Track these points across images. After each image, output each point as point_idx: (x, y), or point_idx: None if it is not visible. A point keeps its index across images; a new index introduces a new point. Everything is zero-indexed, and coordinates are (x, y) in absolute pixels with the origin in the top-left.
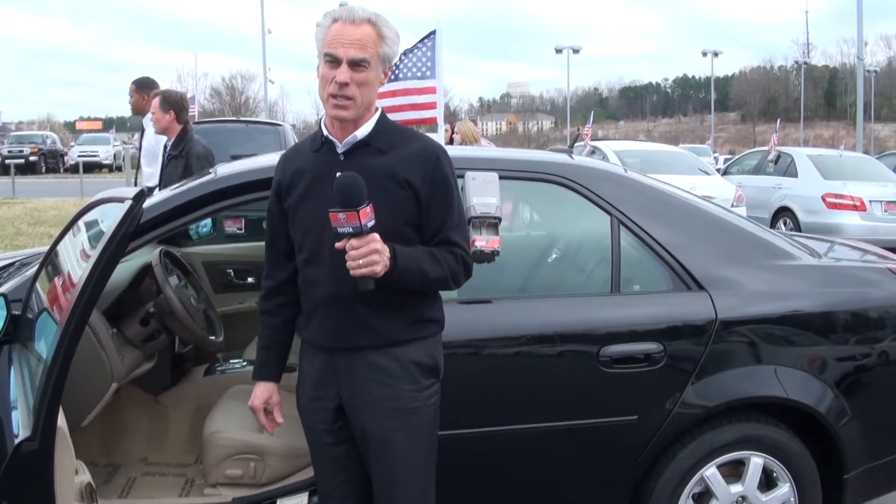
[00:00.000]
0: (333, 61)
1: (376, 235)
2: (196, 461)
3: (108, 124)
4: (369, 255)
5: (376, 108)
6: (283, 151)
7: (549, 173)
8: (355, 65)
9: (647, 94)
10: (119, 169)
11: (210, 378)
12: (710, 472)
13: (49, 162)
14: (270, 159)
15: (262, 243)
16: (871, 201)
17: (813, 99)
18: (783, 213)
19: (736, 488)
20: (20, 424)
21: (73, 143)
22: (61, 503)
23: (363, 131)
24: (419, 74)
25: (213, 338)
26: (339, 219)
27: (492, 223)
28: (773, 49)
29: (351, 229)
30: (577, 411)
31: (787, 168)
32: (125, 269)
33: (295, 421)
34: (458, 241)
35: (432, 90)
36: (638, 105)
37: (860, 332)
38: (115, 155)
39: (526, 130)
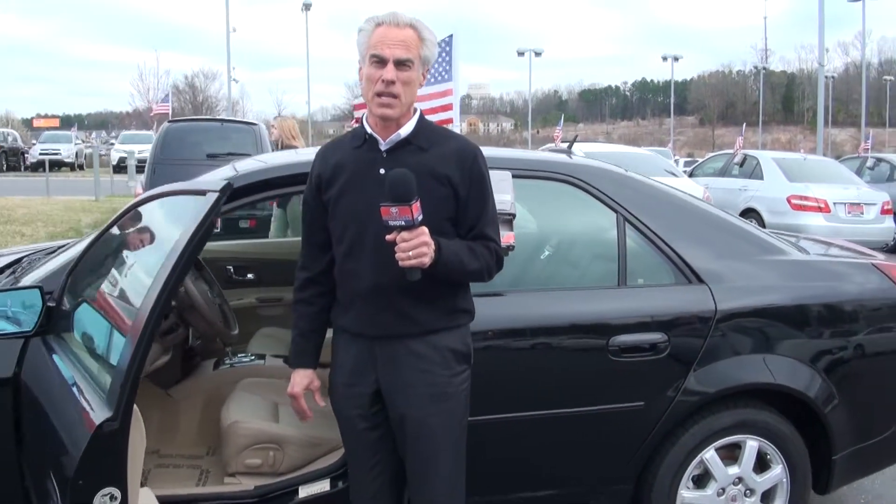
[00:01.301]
0: (380, 62)
1: (425, 229)
2: (208, 452)
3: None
4: (419, 247)
5: (415, 109)
6: (320, 147)
7: (559, 173)
8: (400, 64)
9: (607, 96)
10: (81, 168)
11: (220, 372)
12: (710, 455)
13: (10, 160)
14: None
15: (262, 241)
16: (834, 203)
17: (771, 103)
18: (749, 215)
19: (733, 470)
20: (93, 406)
21: (34, 141)
22: (131, 482)
23: (406, 130)
24: (439, 79)
25: (229, 331)
26: (391, 212)
27: (506, 219)
28: (732, 54)
29: (403, 223)
30: (589, 398)
31: (752, 170)
32: None
33: (315, 411)
34: (492, 236)
35: (449, 93)
36: (597, 108)
37: (847, 323)
38: (76, 153)
39: (487, 132)
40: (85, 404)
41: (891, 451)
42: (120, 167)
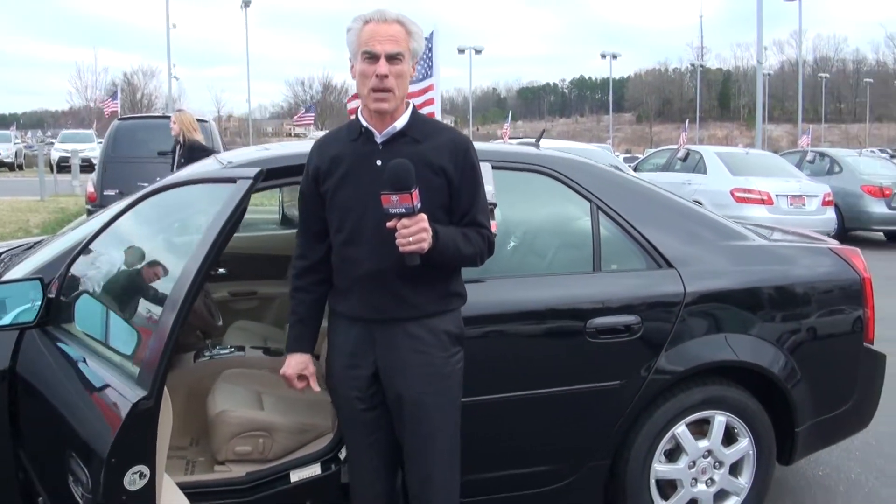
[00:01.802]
0: (372, 57)
1: (424, 216)
2: (192, 443)
3: (2, 121)
4: (419, 233)
5: (408, 103)
6: (316, 139)
7: (536, 164)
8: (392, 58)
9: (545, 94)
10: (21, 168)
11: (200, 364)
12: (681, 430)
13: None
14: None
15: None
16: (777, 195)
17: (707, 100)
18: None
19: (703, 444)
20: (121, 387)
21: None
22: (159, 460)
23: (401, 122)
24: (420, 76)
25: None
26: (391, 200)
27: (489, 209)
28: (669, 52)
29: (403, 210)
30: (568, 378)
31: (696, 165)
32: None
33: (301, 399)
34: (483, 223)
35: (431, 88)
36: (536, 105)
37: (807, 304)
38: (16, 153)
39: None
40: (112, 386)
41: (848, 424)
42: (61, 167)
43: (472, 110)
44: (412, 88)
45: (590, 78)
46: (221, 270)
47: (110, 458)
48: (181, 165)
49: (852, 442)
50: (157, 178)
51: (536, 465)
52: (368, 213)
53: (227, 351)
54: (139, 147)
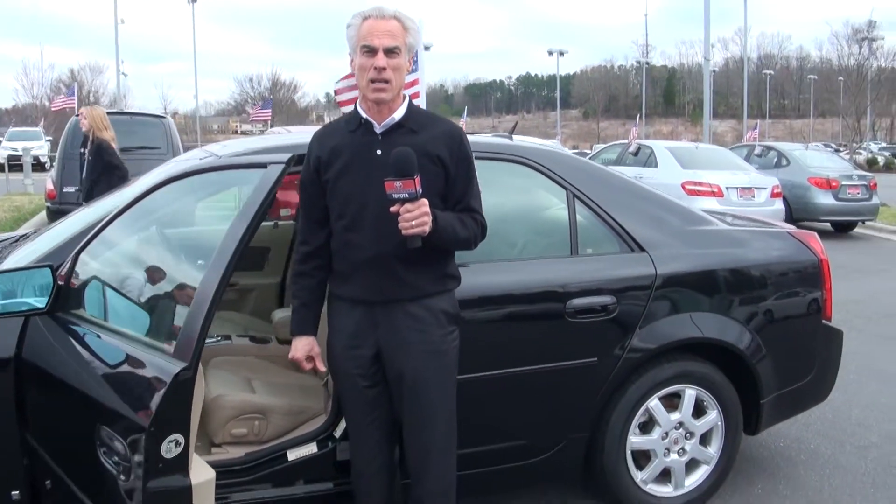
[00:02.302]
0: (370, 51)
1: (426, 200)
2: None
3: None
4: (421, 216)
5: (405, 96)
6: (316, 130)
7: (514, 155)
8: (389, 52)
9: (492, 91)
10: None
11: None
12: (654, 403)
13: None
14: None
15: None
16: (727, 188)
17: (652, 97)
18: None
19: (675, 416)
20: (156, 361)
21: None
22: (192, 429)
23: (399, 114)
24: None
25: None
26: (395, 186)
27: None
28: (615, 49)
29: (407, 195)
30: (549, 356)
31: (647, 159)
32: None
33: (290, 383)
34: (477, 209)
35: (416, 82)
36: (483, 102)
37: (770, 283)
38: None
39: None
40: (144, 361)
41: (809, 396)
42: (11, 165)
43: (425, 105)
44: None
45: (536, 75)
46: (201, 262)
47: (150, 428)
48: (88, 163)
49: (810, 415)
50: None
51: (521, 440)
52: (369, 200)
53: (213, 340)
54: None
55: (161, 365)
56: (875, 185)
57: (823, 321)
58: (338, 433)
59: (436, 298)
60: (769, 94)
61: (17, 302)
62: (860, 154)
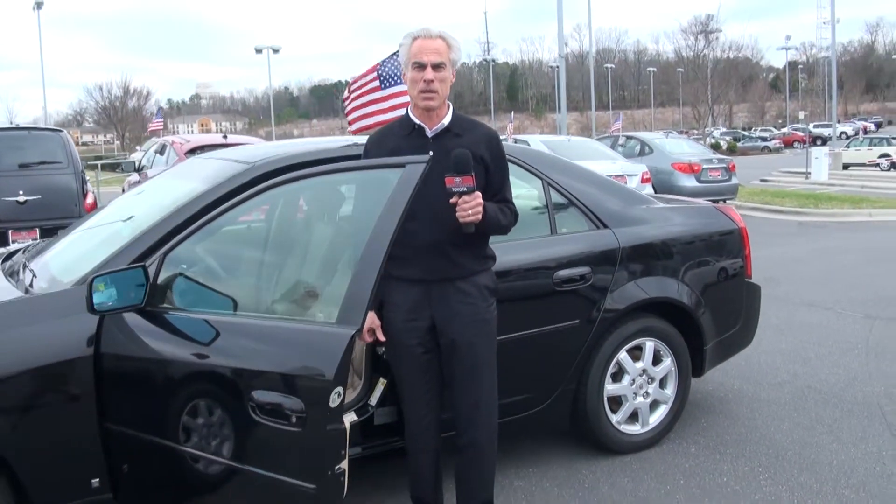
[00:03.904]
0: (420, 67)
1: (479, 193)
2: None
3: None
4: (475, 206)
5: (449, 105)
6: (370, 134)
7: None
8: (436, 67)
9: (338, 91)
10: None
11: None
12: (623, 356)
13: None
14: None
15: None
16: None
17: (496, 93)
18: None
19: (639, 365)
20: (314, 329)
21: None
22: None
23: (446, 120)
24: (396, 82)
25: None
26: (454, 181)
27: None
28: None
29: (465, 189)
30: (544, 321)
31: None
32: None
33: None
34: (510, 200)
35: (405, 93)
36: (329, 103)
37: (705, 249)
38: None
39: (220, 131)
40: (314, 330)
41: (739, 341)
42: None
43: (273, 109)
44: (388, 92)
45: None
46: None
47: (330, 383)
48: None
49: (727, 364)
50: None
51: (524, 393)
52: (426, 193)
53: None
54: None
55: (334, 331)
56: (734, 166)
57: (746, 279)
58: (373, 401)
59: (479, 276)
60: (611, 87)
61: (121, 298)
62: (700, 139)
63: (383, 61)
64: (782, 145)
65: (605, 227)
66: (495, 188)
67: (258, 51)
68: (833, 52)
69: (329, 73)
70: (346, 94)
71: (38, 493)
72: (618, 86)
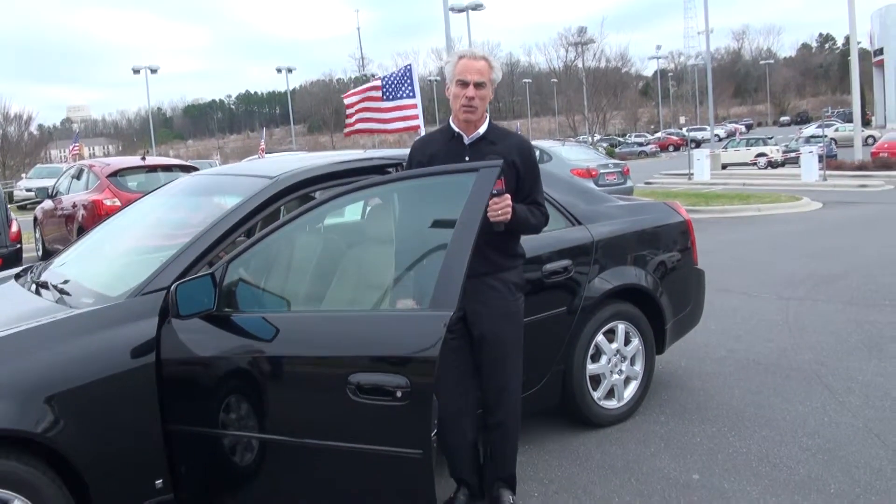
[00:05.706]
0: (464, 84)
1: (509, 195)
2: None
3: None
4: (505, 207)
5: (486, 116)
6: (415, 140)
7: None
8: (478, 85)
9: (212, 111)
10: None
11: None
12: (600, 338)
13: None
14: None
15: None
16: None
17: None
18: None
19: (613, 346)
20: (416, 314)
21: None
22: None
23: (482, 129)
24: (404, 95)
25: None
26: None
27: None
28: (333, 63)
29: (496, 191)
30: (539, 308)
31: None
32: None
33: None
34: (541, 202)
35: (415, 106)
36: (204, 123)
37: (661, 240)
38: None
39: (92, 155)
40: (409, 317)
41: (691, 321)
42: None
43: (153, 130)
44: (396, 104)
45: (256, 92)
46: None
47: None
48: None
49: (676, 345)
50: None
51: (526, 374)
52: None
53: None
54: None
55: (430, 314)
56: (628, 170)
57: (693, 265)
58: None
59: (508, 272)
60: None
61: (197, 304)
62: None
63: (388, 75)
64: (658, 149)
65: (579, 223)
66: (526, 191)
67: (136, 71)
68: (708, 57)
69: (202, 92)
70: (350, 99)
71: (102, 499)
72: (494, 97)
